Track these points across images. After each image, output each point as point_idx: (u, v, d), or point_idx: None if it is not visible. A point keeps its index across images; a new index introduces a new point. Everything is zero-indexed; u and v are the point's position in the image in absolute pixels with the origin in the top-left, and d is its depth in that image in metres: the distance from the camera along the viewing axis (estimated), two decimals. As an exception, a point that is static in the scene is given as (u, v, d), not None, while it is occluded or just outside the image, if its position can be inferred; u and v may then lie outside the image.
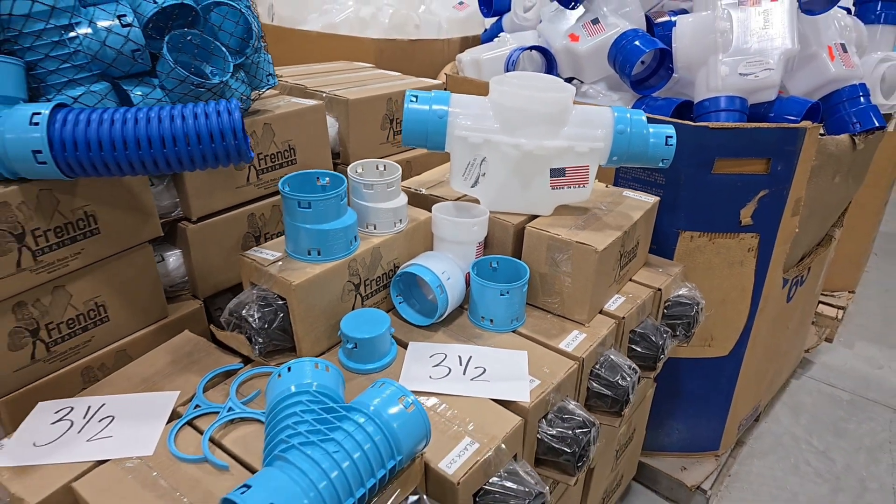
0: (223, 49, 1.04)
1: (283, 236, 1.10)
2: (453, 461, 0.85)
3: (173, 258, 1.17)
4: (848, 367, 2.29)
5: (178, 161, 0.87)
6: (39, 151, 0.83)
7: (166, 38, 0.97)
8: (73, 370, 1.02)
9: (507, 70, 1.68)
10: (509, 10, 1.97)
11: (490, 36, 2.01)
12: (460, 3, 2.23)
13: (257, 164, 1.21)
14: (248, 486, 0.67)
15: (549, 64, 1.64)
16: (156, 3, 0.95)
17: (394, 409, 0.78)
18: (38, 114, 0.83)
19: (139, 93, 0.97)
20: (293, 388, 0.82)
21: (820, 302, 2.37)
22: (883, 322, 2.58)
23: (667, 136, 1.13)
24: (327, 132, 1.35)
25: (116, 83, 0.97)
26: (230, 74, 1.04)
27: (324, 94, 1.41)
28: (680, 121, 1.28)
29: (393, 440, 0.76)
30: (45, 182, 0.90)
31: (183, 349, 1.05)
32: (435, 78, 1.85)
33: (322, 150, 1.34)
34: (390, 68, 1.82)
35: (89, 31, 0.91)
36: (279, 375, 0.84)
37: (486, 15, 2.09)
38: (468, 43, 2.08)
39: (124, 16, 0.93)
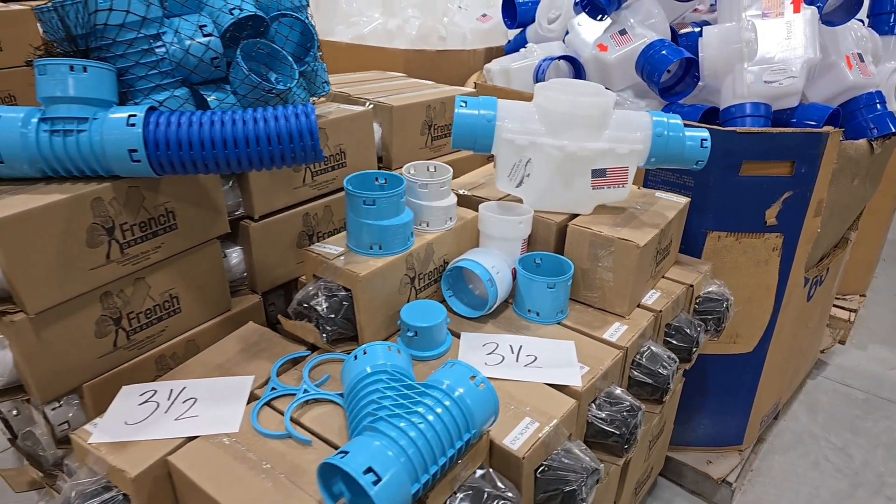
0: (289, 57, 1.11)
1: (339, 234, 1.17)
2: (516, 438, 0.91)
3: (234, 255, 1.24)
4: (861, 367, 2.35)
5: (260, 160, 0.94)
6: (135, 150, 0.90)
7: (240, 47, 1.05)
8: (149, 358, 1.09)
9: (537, 78, 1.76)
10: (533, 21, 2.05)
11: (514, 47, 2.09)
12: (484, 16, 2.31)
13: (313, 166, 1.28)
14: (346, 452, 0.74)
15: (578, 73, 1.72)
16: (232, 14, 1.03)
17: (467, 387, 0.84)
18: (135, 115, 0.90)
19: (215, 98, 1.04)
20: (368, 370, 0.88)
21: (833, 305, 2.43)
22: (893, 325, 2.64)
23: (702, 139, 1.20)
24: (374, 137, 1.42)
25: (194, 89, 1.04)
26: (295, 81, 1.11)
27: (366, 101, 1.48)
28: (709, 126, 1.35)
29: (468, 415, 0.82)
30: (133, 179, 0.97)
31: (250, 338, 1.12)
32: (462, 87, 1.92)
33: (369, 154, 1.41)
34: (418, 77, 1.89)
35: (174, 40, 0.98)
36: (355, 357, 0.91)
37: (509, 27, 2.17)
38: (492, 53, 2.16)
39: (205, 26, 1.00)
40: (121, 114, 0.91)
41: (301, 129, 0.94)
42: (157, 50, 0.97)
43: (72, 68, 0.89)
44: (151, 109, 0.93)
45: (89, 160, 0.92)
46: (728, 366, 1.65)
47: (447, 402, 0.81)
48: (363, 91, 1.57)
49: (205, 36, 1.00)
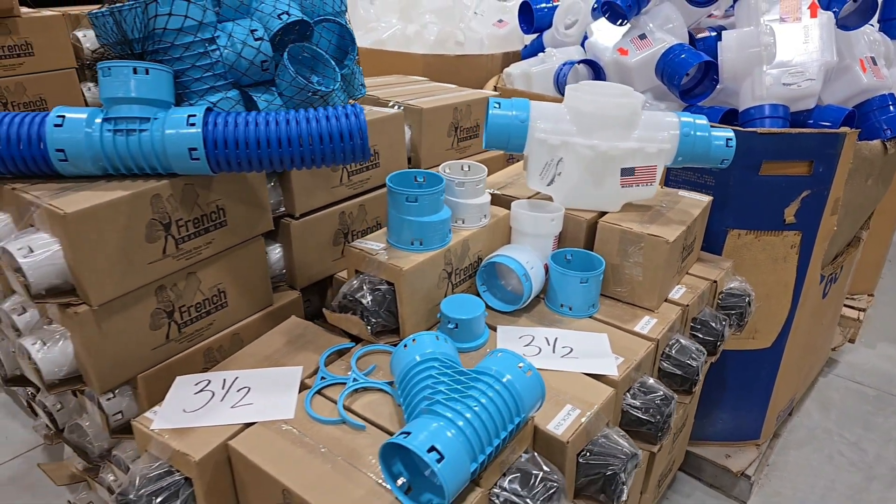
0: (331, 60, 1.15)
1: (377, 231, 1.21)
2: (560, 424, 0.95)
3: (275, 252, 1.28)
4: (871, 365, 2.39)
5: (311, 158, 0.98)
6: (195, 148, 0.94)
7: (287, 50, 1.09)
8: (197, 350, 1.13)
9: (558, 81, 1.80)
10: (549, 27, 2.10)
11: (531, 52, 2.14)
12: (499, 21, 2.36)
13: (350, 166, 1.33)
14: (408, 433, 0.78)
15: (597, 76, 1.77)
16: (280, 19, 1.07)
17: (515, 374, 0.88)
18: (194, 116, 0.95)
19: (264, 99, 1.08)
20: (419, 358, 0.92)
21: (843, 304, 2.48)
22: (901, 325, 2.69)
23: (727, 139, 1.24)
24: (405, 138, 1.46)
25: (244, 90, 1.09)
26: (338, 83, 1.15)
27: (391, 104, 1.53)
28: (731, 126, 1.40)
29: (518, 399, 0.86)
30: (188, 177, 1.01)
31: (294, 331, 1.16)
32: (483, 90, 1.97)
33: (400, 155, 1.45)
34: (437, 81, 1.94)
35: (227, 43, 1.02)
36: (405, 346, 0.95)
37: (526, 32, 2.22)
38: (509, 58, 2.21)
39: (256, 30, 1.04)
40: (181, 114, 0.95)
41: (351, 129, 0.98)
42: (211, 53, 1.01)
43: (135, 70, 0.93)
44: (208, 110, 0.97)
45: (150, 158, 0.96)
46: (747, 361, 1.69)
47: (498, 387, 0.85)
48: (391, 94, 1.62)
49: (256, 40, 1.04)
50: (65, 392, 1.09)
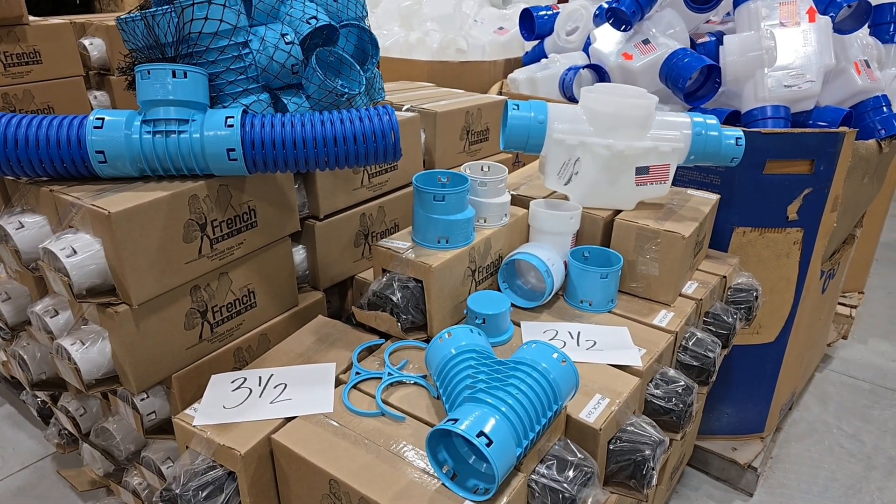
0: (356, 64, 1.18)
1: (401, 231, 1.24)
2: (591, 412, 0.98)
3: (299, 253, 1.30)
4: (865, 360, 2.46)
5: (346, 158, 1.01)
6: (233, 149, 0.97)
7: (315, 54, 1.11)
8: (228, 350, 1.14)
9: (563, 86, 1.85)
10: (550, 33, 2.14)
11: (532, 58, 2.18)
12: (500, 28, 2.40)
13: (370, 168, 1.35)
14: (456, 420, 0.80)
15: (601, 80, 1.81)
16: (309, 23, 1.10)
17: (551, 363, 0.91)
18: (232, 117, 0.97)
19: (294, 102, 1.11)
20: (455, 351, 0.95)
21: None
22: (890, 321, 2.76)
23: (737, 138, 1.29)
24: (421, 141, 1.49)
25: (273, 93, 1.11)
26: (364, 86, 1.18)
27: (404, 108, 1.56)
28: (736, 127, 1.44)
29: (556, 387, 0.89)
30: (223, 178, 1.03)
31: (323, 330, 1.18)
32: (490, 95, 2.00)
33: (416, 157, 1.48)
34: (442, 87, 1.97)
35: (260, 47, 1.05)
36: (441, 339, 0.98)
37: (527, 38, 2.27)
38: (511, 64, 2.25)
39: (287, 34, 1.07)
40: (219, 116, 0.97)
41: (384, 129, 1.01)
42: (245, 57, 1.03)
43: (174, 74, 0.95)
44: (244, 112, 0.99)
45: (188, 159, 0.98)
46: (752, 355, 1.73)
47: (536, 376, 0.88)
48: (402, 99, 1.65)
49: (287, 44, 1.07)
50: (96, 394, 1.10)
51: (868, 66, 1.66)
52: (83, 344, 1.00)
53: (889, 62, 1.84)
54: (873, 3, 1.64)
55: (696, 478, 1.87)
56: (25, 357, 1.27)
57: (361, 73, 1.18)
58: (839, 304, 2.55)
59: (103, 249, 0.94)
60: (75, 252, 0.92)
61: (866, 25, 1.87)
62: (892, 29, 1.85)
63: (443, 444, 0.86)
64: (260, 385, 1.02)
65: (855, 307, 2.58)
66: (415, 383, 1.03)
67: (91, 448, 1.28)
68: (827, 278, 1.82)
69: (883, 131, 1.65)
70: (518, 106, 1.26)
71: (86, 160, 0.97)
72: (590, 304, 1.25)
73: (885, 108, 1.66)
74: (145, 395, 1.08)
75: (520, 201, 1.37)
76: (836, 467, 1.91)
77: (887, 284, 3.05)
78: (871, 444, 2.01)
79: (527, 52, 2.25)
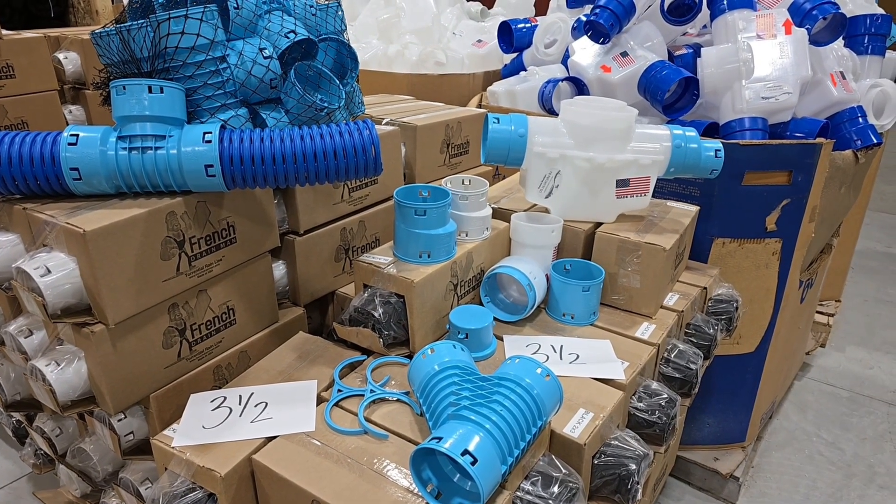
0: (335, 78, 1.17)
1: (381, 246, 1.23)
2: (575, 427, 0.98)
3: (279, 269, 1.28)
4: (842, 368, 2.48)
5: (326, 173, 1.00)
6: (211, 165, 0.95)
7: (294, 68, 1.11)
8: (207, 368, 1.12)
9: (542, 99, 1.85)
10: (529, 46, 2.15)
11: (511, 70, 2.19)
12: (479, 41, 2.41)
13: (351, 183, 1.34)
14: (440, 438, 0.79)
15: (580, 93, 1.82)
16: (287, 38, 1.09)
17: (534, 378, 0.90)
18: (209, 133, 0.96)
19: (273, 117, 1.10)
20: (438, 367, 0.94)
21: (813, 310, 2.57)
22: (866, 328, 2.79)
23: (716, 150, 1.30)
24: (401, 155, 1.49)
25: (252, 108, 1.10)
26: (343, 101, 1.17)
27: (384, 122, 1.55)
28: (715, 139, 1.46)
29: (540, 402, 0.88)
30: (201, 194, 1.02)
31: (303, 347, 1.16)
32: (469, 107, 2.01)
33: (397, 171, 1.47)
34: (421, 100, 1.97)
35: (238, 62, 1.04)
36: (423, 356, 0.97)
37: (505, 51, 2.27)
38: (490, 77, 2.26)
39: (265, 49, 1.06)
40: (196, 132, 0.96)
41: (364, 144, 1.00)
42: (222, 71, 1.02)
43: (150, 89, 0.94)
44: (222, 127, 0.98)
45: (165, 176, 0.96)
46: (732, 366, 1.74)
47: (520, 391, 0.88)
48: (381, 112, 1.64)
49: (265, 58, 1.06)
50: (72, 415, 1.07)
51: (843, 78, 1.69)
52: (58, 365, 0.97)
53: (864, 73, 1.87)
54: (848, 16, 1.66)
55: (679, 488, 1.87)
56: (-1, 377, 1.24)
57: (341, 87, 1.18)
58: (817, 312, 2.58)
59: (78, 268, 0.92)
60: (49, 271, 0.90)
61: (841, 37, 1.91)
62: (866, 41, 1.88)
63: (427, 462, 0.85)
64: (240, 404, 1.00)
65: (832, 315, 2.61)
66: (398, 400, 1.02)
67: (68, 469, 1.25)
68: (805, 288, 1.84)
69: (859, 142, 1.67)
70: (498, 119, 1.26)
71: (60, 177, 0.95)
72: (572, 317, 1.25)
73: (860, 119, 1.68)
74: (123, 416, 1.06)
75: (501, 214, 1.37)
76: (817, 475, 1.92)
77: (863, 292, 3.10)
78: (851, 451, 2.03)
79: (505, 65, 2.25)
